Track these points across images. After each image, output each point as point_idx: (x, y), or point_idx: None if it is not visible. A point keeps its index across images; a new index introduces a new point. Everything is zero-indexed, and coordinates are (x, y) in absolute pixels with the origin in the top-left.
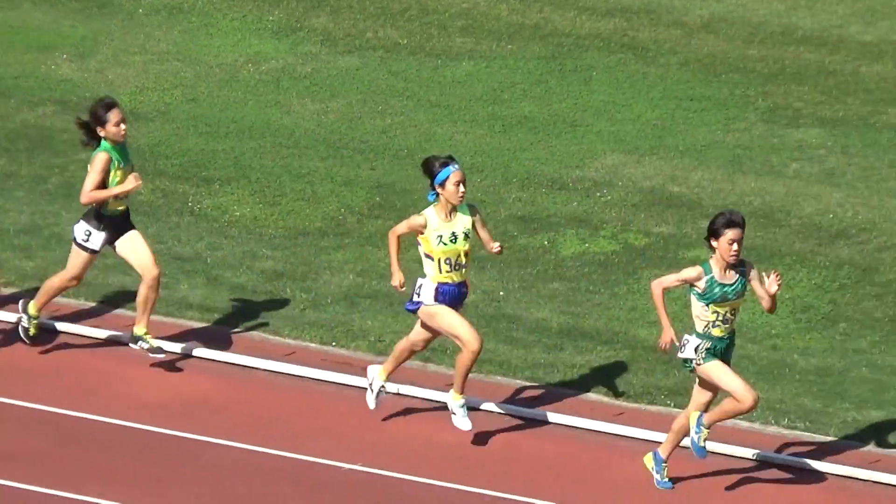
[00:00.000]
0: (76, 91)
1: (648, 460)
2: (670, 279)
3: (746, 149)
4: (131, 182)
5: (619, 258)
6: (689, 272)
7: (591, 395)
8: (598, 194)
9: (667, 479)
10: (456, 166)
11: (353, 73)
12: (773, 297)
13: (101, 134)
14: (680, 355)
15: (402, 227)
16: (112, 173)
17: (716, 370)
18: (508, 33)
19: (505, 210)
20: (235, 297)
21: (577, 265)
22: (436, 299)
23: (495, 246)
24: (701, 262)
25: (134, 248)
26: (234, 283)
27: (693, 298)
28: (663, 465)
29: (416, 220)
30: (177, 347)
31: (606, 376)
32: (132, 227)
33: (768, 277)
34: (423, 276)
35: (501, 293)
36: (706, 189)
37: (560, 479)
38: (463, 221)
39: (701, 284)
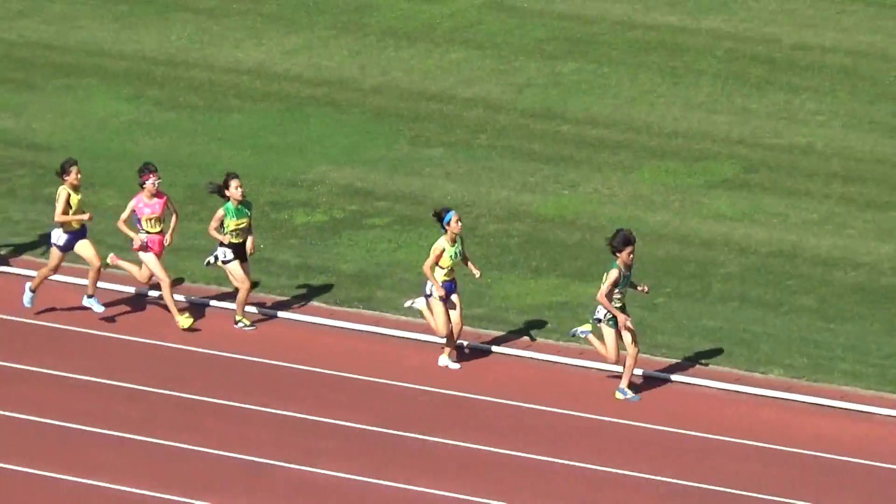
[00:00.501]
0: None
1: (619, 395)
2: (606, 288)
3: (398, 160)
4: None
5: (328, 225)
6: (613, 275)
7: (314, 303)
8: (315, 188)
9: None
10: (454, 212)
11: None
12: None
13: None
14: (596, 315)
15: (432, 260)
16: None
17: (607, 333)
18: None
19: (263, 199)
20: None
21: (305, 229)
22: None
23: (476, 271)
24: (613, 266)
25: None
26: None
27: (603, 286)
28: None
29: (438, 249)
30: None
31: (323, 291)
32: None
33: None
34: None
35: (262, 245)
36: (379, 185)
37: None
38: (458, 245)
39: (619, 280)
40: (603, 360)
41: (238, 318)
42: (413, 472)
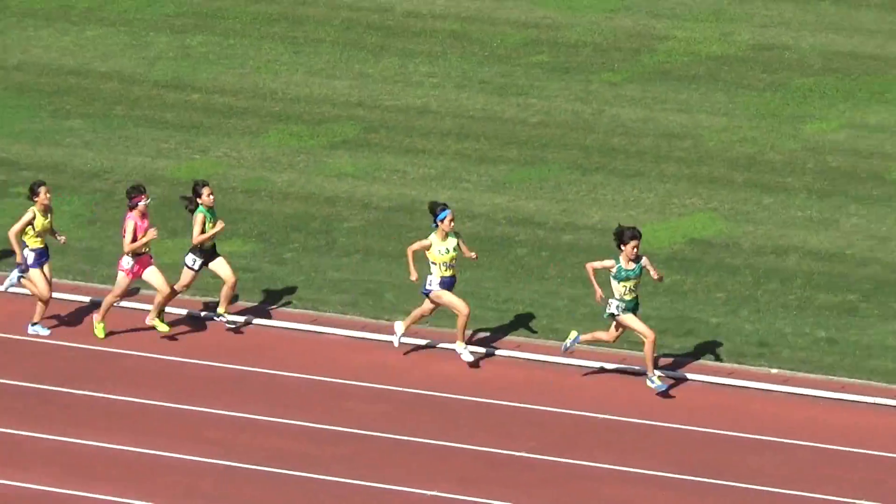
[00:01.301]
0: None
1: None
2: (595, 264)
3: (41, 132)
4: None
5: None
6: (607, 262)
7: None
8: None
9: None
10: (449, 211)
11: None
12: (660, 278)
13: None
14: (607, 310)
15: (416, 246)
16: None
17: (628, 319)
18: None
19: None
20: None
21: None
22: (440, 287)
23: (472, 254)
24: (612, 256)
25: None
26: None
27: (611, 278)
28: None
29: (427, 242)
30: None
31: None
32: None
33: (653, 268)
34: (430, 273)
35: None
36: (23, 156)
37: None
38: (452, 241)
39: (613, 270)
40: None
41: (220, 311)
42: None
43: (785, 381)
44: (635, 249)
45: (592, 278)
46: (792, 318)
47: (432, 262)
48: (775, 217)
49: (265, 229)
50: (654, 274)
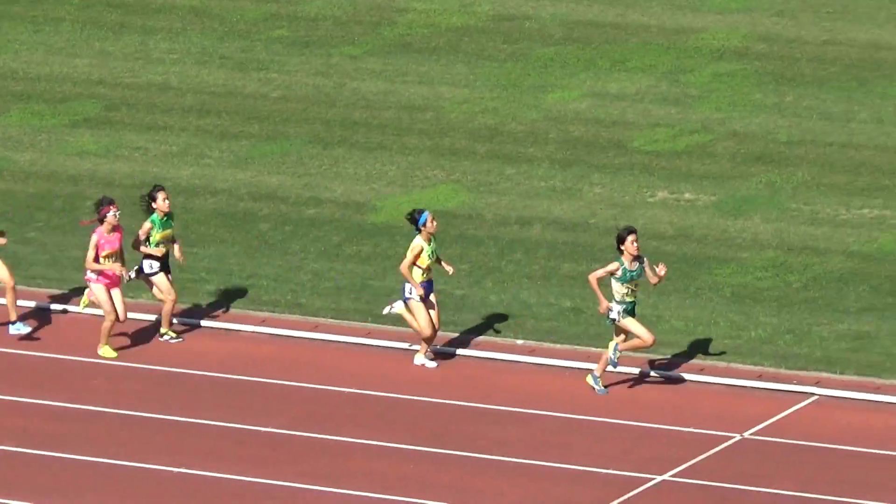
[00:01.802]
0: None
1: (589, 379)
2: (599, 272)
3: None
4: None
5: None
6: (611, 266)
7: None
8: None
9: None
10: (428, 212)
11: None
12: (660, 278)
13: None
14: (610, 316)
15: (410, 260)
16: None
17: (630, 322)
18: None
19: None
20: None
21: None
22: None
23: (450, 269)
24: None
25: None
26: None
27: (613, 281)
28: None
29: (417, 248)
30: None
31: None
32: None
33: (658, 267)
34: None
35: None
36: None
37: None
38: (433, 244)
39: (618, 272)
40: (637, 347)
41: (164, 330)
42: None
43: (531, 352)
44: (635, 244)
45: (597, 289)
46: (537, 289)
47: (418, 267)
48: (518, 188)
49: (7, 209)
50: (656, 274)
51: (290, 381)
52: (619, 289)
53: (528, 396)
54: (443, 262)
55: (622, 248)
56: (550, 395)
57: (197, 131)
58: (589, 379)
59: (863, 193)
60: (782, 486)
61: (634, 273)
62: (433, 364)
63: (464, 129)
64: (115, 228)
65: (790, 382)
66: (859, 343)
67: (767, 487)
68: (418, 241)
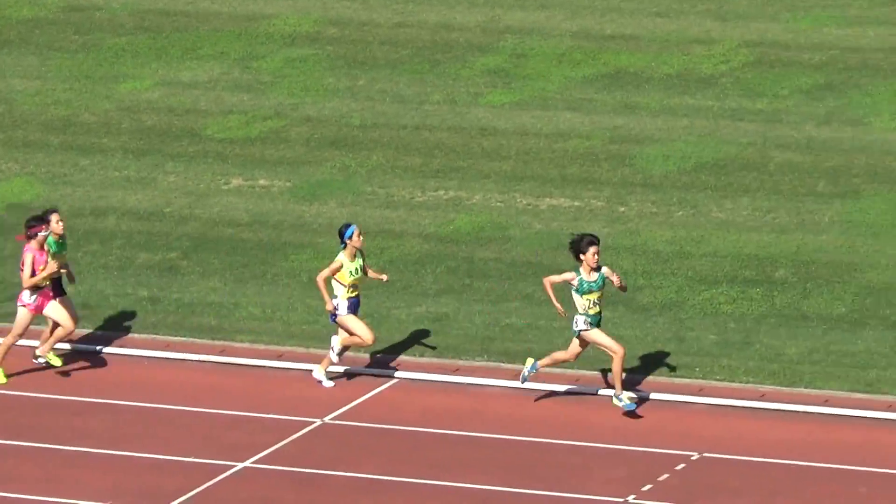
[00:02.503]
0: None
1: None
2: (555, 278)
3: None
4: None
5: None
6: (567, 275)
7: None
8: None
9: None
10: (355, 226)
11: None
12: (622, 286)
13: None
14: (574, 328)
15: (327, 272)
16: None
17: (595, 335)
18: None
19: None
20: None
21: None
22: (347, 310)
23: (383, 276)
24: (573, 269)
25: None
26: None
27: (573, 292)
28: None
29: (337, 264)
30: None
31: None
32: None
33: (615, 275)
34: (334, 297)
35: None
36: None
37: None
38: (359, 260)
39: (574, 282)
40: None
41: (42, 353)
42: None
43: (108, 342)
44: (596, 257)
45: (551, 294)
46: (113, 279)
47: (339, 284)
48: (93, 178)
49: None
50: (616, 281)
51: None
52: (579, 301)
53: (111, 387)
54: (371, 273)
55: (581, 258)
56: (134, 385)
57: None
58: (616, 401)
59: (438, 175)
60: (363, 470)
61: (594, 284)
62: (330, 383)
63: (37, 121)
64: (43, 247)
65: (372, 367)
66: (438, 325)
67: (348, 471)
68: (340, 257)
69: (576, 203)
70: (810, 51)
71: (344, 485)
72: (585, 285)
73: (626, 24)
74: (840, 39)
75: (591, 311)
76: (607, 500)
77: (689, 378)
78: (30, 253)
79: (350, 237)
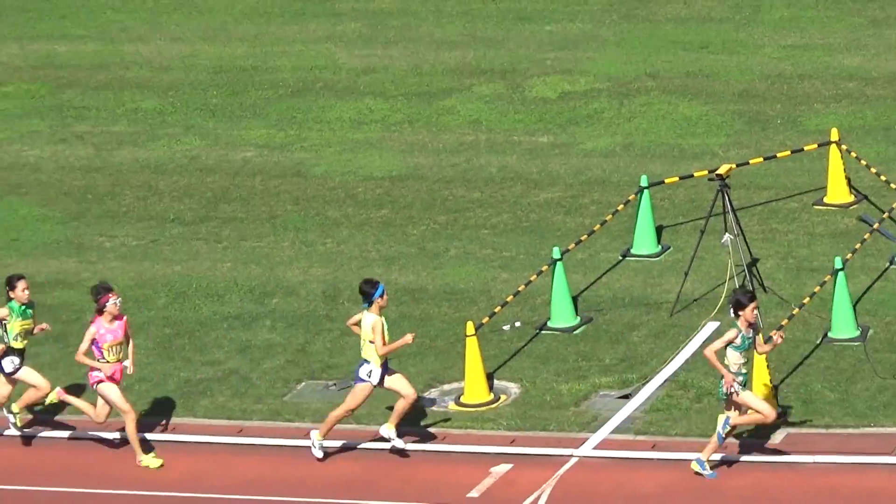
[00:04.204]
0: None
1: (695, 466)
2: (717, 345)
3: None
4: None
5: None
6: (730, 335)
7: None
8: None
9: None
10: (383, 285)
11: None
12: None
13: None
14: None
15: (382, 340)
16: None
17: (748, 396)
18: None
19: None
20: None
21: None
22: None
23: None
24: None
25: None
26: None
27: (729, 350)
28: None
29: (380, 325)
30: None
31: None
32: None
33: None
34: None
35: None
36: None
37: None
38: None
39: (737, 340)
40: (756, 423)
41: (16, 410)
42: None
43: None
44: (755, 311)
45: (717, 363)
46: None
47: (370, 343)
48: None
49: None
50: (772, 341)
51: None
52: (735, 359)
53: None
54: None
55: (740, 313)
56: None
57: None
58: (694, 465)
59: None
60: None
61: (750, 340)
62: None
63: None
64: (117, 317)
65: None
66: None
67: None
68: (379, 319)
69: None
70: None
71: None
72: (746, 342)
73: None
74: None
75: (744, 370)
76: None
77: None
78: (93, 327)
79: (381, 296)
